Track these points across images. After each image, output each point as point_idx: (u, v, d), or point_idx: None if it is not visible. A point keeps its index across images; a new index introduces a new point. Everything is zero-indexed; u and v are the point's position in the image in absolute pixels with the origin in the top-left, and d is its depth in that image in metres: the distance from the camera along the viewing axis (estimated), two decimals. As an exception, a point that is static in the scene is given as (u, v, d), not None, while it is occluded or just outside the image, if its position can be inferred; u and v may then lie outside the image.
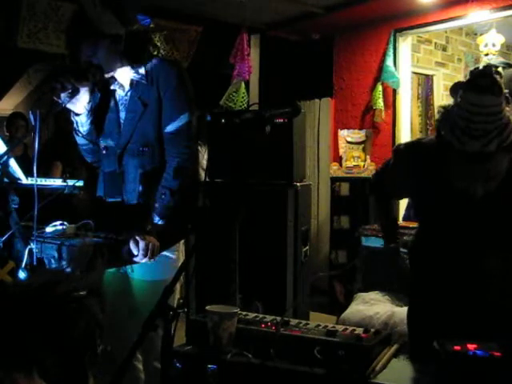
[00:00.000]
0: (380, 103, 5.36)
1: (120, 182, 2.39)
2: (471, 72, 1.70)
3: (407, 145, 2.11)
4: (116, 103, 2.43)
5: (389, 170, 2.11)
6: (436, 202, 1.91)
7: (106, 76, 2.32)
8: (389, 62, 5.26)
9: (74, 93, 2.24)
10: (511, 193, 1.78)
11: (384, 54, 5.31)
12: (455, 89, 1.73)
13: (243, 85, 5.55)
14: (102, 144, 2.45)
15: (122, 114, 2.40)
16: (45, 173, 4.61)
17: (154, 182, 2.32)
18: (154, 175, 2.32)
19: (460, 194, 1.81)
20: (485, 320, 1.83)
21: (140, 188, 2.35)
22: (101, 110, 2.44)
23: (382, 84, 5.36)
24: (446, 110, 1.73)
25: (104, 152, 2.45)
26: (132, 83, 2.36)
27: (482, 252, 1.85)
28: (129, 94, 2.38)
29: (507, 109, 1.65)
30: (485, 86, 1.61)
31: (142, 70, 2.33)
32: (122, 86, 2.39)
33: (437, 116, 1.77)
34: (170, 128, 2.31)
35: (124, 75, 2.36)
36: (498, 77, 1.65)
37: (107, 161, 2.44)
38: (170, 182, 2.28)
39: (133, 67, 2.33)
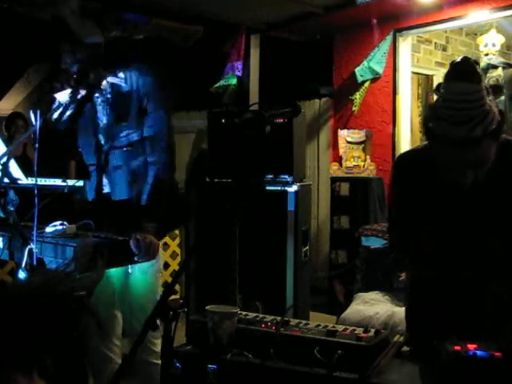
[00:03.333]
0: (356, 95, 5.48)
1: (106, 180, 2.46)
2: (452, 62, 1.76)
3: (395, 164, 2.12)
4: (94, 105, 2.48)
5: (395, 202, 2.05)
6: (430, 204, 1.92)
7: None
8: (371, 57, 5.36)
9: (76, 94, 2.29)
10: (500, 182, 1.82)
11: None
12: (438, 87, 1.78)
13: (235, 78, 5.59)
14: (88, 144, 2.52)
15: (103, 116, 2.46)
16: (58, 172, 4.59)
17: (138, 180, 2.38)
18: (139, 173, 2.38)
19: (450, 188, 1.84)
20: (484, 317, 1.83)
21: (125, 186, 2.40)
22: (81, 111, 2.49)
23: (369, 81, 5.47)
24: (431, 105, 1.78)
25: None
26: (112, 87, 2.40)
27: (479, 244, 1.86)
28: (109, 96, 2.43)
29: (489, 98, 1.70)
30: (465, 73, 1.67)
31: (121, 74, 2.38)
32: (101, 89, 2.44)
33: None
34: (148, 131, 2.39)
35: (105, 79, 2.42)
36: (476, 66, 1.71)
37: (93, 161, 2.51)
38: (157, 177, 2.36)
39: (113, 72, 2.38)
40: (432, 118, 1.74)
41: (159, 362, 2.47)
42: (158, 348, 2.51)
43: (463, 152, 1.70)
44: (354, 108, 5.53)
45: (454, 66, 1.72)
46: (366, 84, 5.46)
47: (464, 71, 1.68)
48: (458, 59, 1.75)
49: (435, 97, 1.82)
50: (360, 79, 5.44)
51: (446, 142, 1.71)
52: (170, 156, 2.42)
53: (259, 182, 3.34)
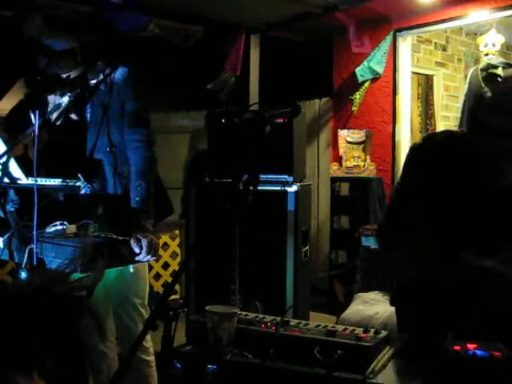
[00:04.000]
0: (356, 95, 5.49)
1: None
2: None
3: (417, 147, 1.90)
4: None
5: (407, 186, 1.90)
6: (452, 201, 1.79)
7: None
8: (368, 58, 5.35)
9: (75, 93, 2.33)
10: None
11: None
12: (491, 78, 1.70)
13: (234, 78, 5.59)
14: None
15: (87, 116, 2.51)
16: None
17: (124, 179, 2.40)
18: (124, 172, 2.43)
19: (483, 187, 1.74)
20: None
21: (113, 184, 2.44)
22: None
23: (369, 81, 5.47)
24: (481, 97, 1.69)
25: None
26: (91, 88, 2.45)
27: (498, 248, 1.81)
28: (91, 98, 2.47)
29: None
30: None
31: (100, 76, 2.44)
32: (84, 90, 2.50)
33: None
34: (128, 129, 2.43)
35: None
36: None
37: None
38: (139, 172, 2.37)
39: (90, 74, 2.43)
40: (487, 109, 1.65)
41: (149, 358, 2.50)
42: (149, 344, 2.53)
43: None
44: (353, 108, 5.53)
45: None
46: (366, 84, 5.46)
47: None
48: None
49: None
50: (360, 79, 5.44)
51: (502, 133, 1.63)
52: (151, 153, 2.44)
53: (255, 182, 3.33)
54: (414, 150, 1.90)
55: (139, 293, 2.53)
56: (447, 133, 1.83)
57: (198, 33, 5.40)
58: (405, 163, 1.94)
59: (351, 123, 5.65)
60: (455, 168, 1.76)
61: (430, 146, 1.84)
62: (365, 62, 5.40)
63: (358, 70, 5.43)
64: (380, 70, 5.36)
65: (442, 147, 1.79)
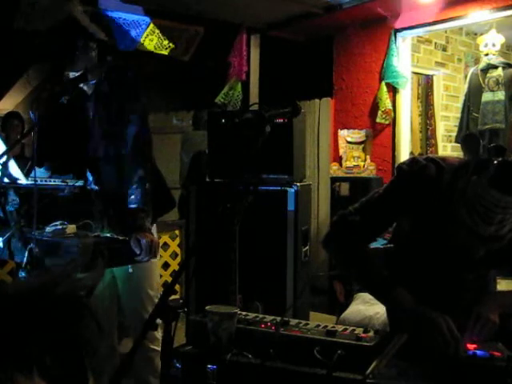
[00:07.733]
0: (388, 103, 5.32)
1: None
2: (496, 166, 1.56)
3: (410, 174, 1.84)
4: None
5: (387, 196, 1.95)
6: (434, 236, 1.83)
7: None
8: (394, 62, 5.25)
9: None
10: None
11: (386, 54, 5.31)
12: (478, 168, 1.61)
13: (240, 84, 5.57)
14: None
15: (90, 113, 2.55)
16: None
17: (120, 174, 2.42)
18: (121, 168, 2.43)
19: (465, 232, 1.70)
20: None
21: (112, 183, 2.45)
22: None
23: (386, 84, 5.35)
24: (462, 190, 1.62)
25: None
26: (92, 89, 2.47)
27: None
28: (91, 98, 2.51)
29: None
30: (507, 186, 1.55)
31: (99, 77, 2.47)
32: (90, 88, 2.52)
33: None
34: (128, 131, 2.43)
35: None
36: None
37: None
38: (135, 171, 2.37)
39: (90, 74, 2.45)
40: (464, 203, 1.61)
41: (160, 348, 2.51)
42: (160, 334, 2.53)
43: (486, 244, 1.66)
44: (391, 116, 5.33)
45: (501, 176, 1.55)
46: (384, 88, 5.33)
47: (507, 183, 1.54)
48: (509, 165, 1.57)
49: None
50: (399, 86, 5.33)
51: (472, 233, 1.63)
52: (148, 152, 2.44)
53: (255, 182, 3.33)
54: (406, 174, 1.85)
55: (154, 285, 2.58)
56: (439, 167, 1.77)
57: (199, 34, 5.40)
58: (394, 182, 1.93)
59: (351, 123, 5.65)
60: (438, 206, 1.73)
61: (421, 178, 1.78)
62: (395, 65, 5.26)
63: (393, 74, 5.29)
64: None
65: (431, 183, 1.76)
